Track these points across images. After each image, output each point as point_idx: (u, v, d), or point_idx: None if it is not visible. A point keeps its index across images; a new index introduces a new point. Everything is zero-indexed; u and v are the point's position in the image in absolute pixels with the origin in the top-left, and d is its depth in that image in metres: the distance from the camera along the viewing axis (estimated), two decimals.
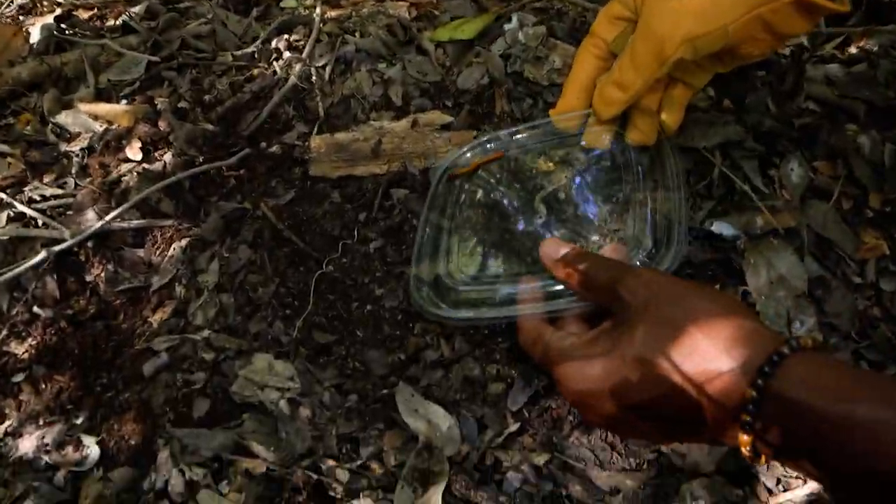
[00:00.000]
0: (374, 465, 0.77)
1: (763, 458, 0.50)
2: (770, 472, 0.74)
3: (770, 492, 0.74)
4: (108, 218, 0.96)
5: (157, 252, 0.98)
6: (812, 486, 0.73)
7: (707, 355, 0.50)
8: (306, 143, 1.04)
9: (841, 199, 0.90)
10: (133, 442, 0.81)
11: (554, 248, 0.70)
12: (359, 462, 0.77)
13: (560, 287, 0.71)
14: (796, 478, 0.74)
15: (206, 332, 0.89)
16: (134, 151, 1.03)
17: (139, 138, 1.03)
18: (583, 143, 0.86)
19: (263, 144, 1.06)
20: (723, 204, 0.92)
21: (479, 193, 0.92)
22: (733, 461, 0.75)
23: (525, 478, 0.76)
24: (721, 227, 0.89)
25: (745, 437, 0.49)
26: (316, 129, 1.06)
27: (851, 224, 0.89)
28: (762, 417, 0.47)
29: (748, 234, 0.88)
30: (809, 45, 1.06)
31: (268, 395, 0.82)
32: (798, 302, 0.84)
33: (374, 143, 1.03)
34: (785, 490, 0.74)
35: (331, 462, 0.77)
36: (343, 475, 0.75)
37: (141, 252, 0.98)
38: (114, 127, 1.06)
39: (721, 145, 0.95)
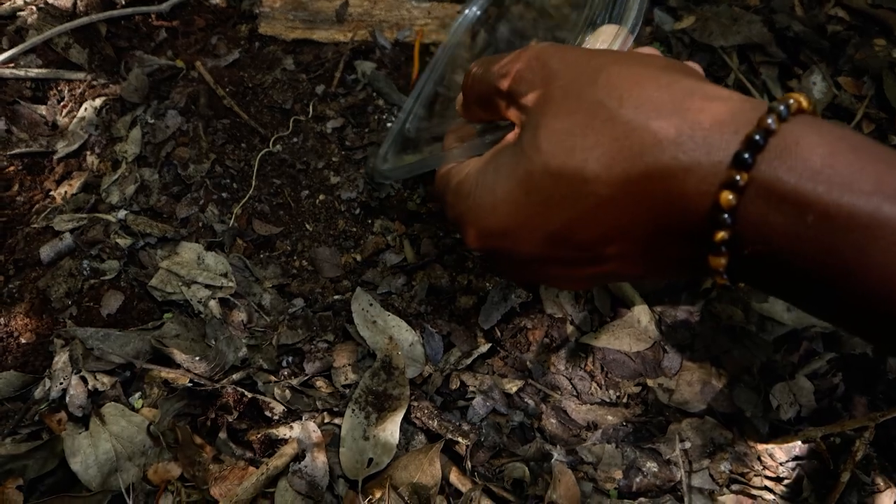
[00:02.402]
0: (321, 384, 0.63)
1: (739, 284, 0.35)
2: (763, 417, 0.64)
3: (760, 437, 0.64)
4: None
5: (64, 111, 0.77)
6: (805, 433, 0.63)
7: (652, 147, 0.32)
8: None
9: (863, 122, 0.77)
10: (23, 340, 0.63)
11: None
12: (303, 379, 0.62)
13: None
14: (788, 422, 0.65)
15: (122, 213, 0.70)
16: None
17: None
18: None
19: None
20: None
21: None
22: (726, 401, 0.65)
23: (493, 406, 0.64)
24: None
25: (718, 260, 0.32)
26: None
27: None
28: (744, 226, 0.31)
29: None
30: None
31: (195, 293, 0.65)
32: None
33: (339, 5, 0.82)
34: (774, 435, 0.64)
35: (269, 377, 0.62)
36: (283, 393, 0.61)
37: (43, 109, 0.76)
38: None
39: (741, 47, 0.79)
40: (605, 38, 0.43)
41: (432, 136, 0.62)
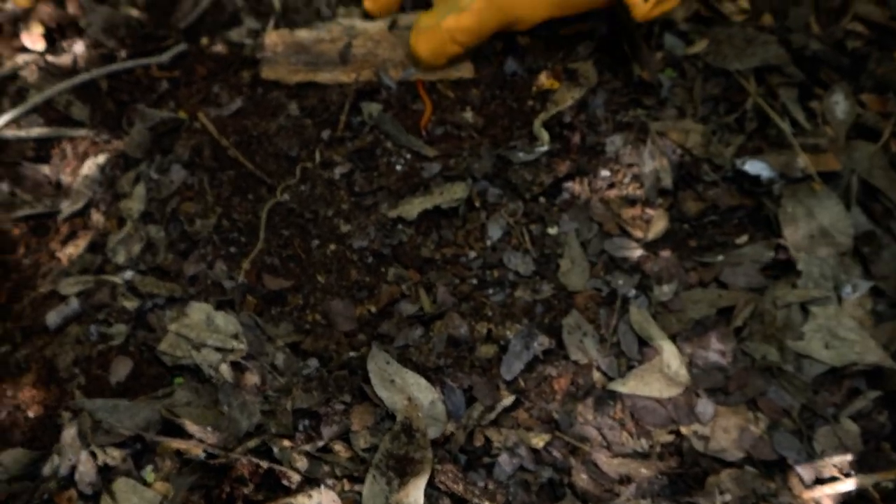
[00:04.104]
0: (340, 449, 0.59)
1: None
2: (807, 464, 0.60)
3: (805, 485, 0.59)
4: (0, 123, 0.71)
5: (68, 170, 0.74)
6: (853, 480, 0.59)
7: None
8: (258, 41, 0.80)
9: (891, 140, 0.73)
10: (31, 414, 0.60)
11: None
12: (320, 444, 0.59)
13: None
14: (834, 468, 0.60)
15: (128, 274, 0.68)
16: (33, 39, 0.76)
17: (41, 22, 0.77)
18: None
19: (205, 41, 0.81)
20: (755, 140, 0.74)
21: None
22: (766, 448, 0.60)
23: (520, 463, 0.60)
24: (756, 167, 0.71)
25: None
26: (271, 24, 0.81)
27: None
28: None
29: (785, 177, 0.71)
30: None
31: (206, 357, 0.62)
32: (843, 261, 0.67)
33: (342, 46, 0.79)
34: (821, 482, 0.60)
35: (285, 443, 0.58)
36: (300, 461, 0.57)
37: (46, 169, 0.74)
38: (7, 5, 0.79)
39: (757, 69, 0.75)
40: None
41: None
